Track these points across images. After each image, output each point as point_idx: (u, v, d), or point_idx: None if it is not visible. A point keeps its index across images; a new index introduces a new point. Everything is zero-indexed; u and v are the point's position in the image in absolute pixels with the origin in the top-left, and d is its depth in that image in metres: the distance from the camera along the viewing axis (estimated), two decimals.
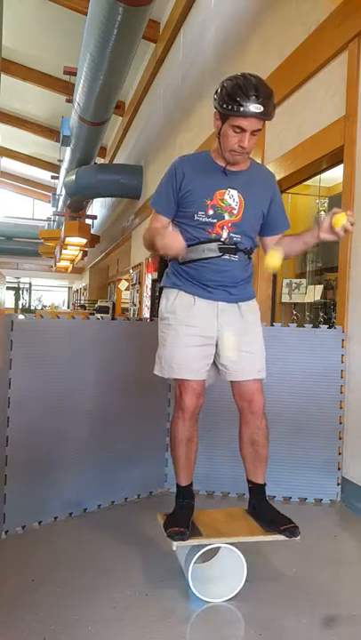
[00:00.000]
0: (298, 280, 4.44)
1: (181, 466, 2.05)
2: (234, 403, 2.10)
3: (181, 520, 1.95)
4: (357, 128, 2.91)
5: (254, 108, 1.79)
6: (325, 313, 4.32)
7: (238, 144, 1.87)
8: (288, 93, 3.62)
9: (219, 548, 1.97)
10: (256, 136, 1.89)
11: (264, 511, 2.03)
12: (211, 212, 1.96)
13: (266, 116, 1.83)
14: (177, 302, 2.02)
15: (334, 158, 3.29)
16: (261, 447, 2.06)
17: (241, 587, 1.88)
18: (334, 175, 3.73)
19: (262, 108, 1.80)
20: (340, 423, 2.89)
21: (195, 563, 1.85)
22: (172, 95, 7.02)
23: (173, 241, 1.84)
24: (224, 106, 1.83)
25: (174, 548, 1.88)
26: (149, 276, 8.66)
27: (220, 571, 2.00)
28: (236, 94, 1.79)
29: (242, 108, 1.79)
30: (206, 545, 1.88)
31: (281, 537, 1.92)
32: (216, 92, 1.88)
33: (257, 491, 2.09)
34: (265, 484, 2.09)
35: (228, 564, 1.95)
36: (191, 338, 1.98)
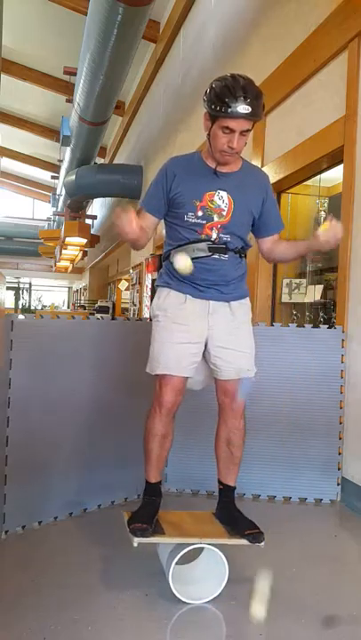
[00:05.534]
0: (298, 280, 4.44)
1: (152, 462, 2.03)
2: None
3: (145, 517, 1.94)
4: (357, 128, 2.91)
5: (242, 109, 1.79)
6: (325, 313, 4.32)
7: (228, 144, 1.87)
8: (288, 93, 3.61)
9: (202, 549, 1.95)
10: (246, 136, 1.90)
11: (230, 514, 2.02)
12: (200, 214, 1.96)
13: (254, 116, 1.83)
14: (168, 300, 2.03)
15: (334, 158, 3.29)
16: (236, 448, 2.06)
17: (223, 587, 1.86)
18: (334, 175, 3.74)
19: (250, 109, 1.80)
20: (340, 423, 2.89)
21: (177, 564, 1.83)
22: (172, 95, 7.01)
23: (123, 221, 1.85)
24: (213, 107, 1.83)
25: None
26: (149, 275, 8.65)
27: (202, 572, 1.98)
28: (225, 95, 1.79)
29: (230, 109, 1.79)
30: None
31: (244, 541, 1.91)
32: (205, 92, 1.88)
33: (226, 492, 2.08)
34: (235, 487, 2.09)
35: (210, 565, 1.93)
36: (180, 335, 1.98)
